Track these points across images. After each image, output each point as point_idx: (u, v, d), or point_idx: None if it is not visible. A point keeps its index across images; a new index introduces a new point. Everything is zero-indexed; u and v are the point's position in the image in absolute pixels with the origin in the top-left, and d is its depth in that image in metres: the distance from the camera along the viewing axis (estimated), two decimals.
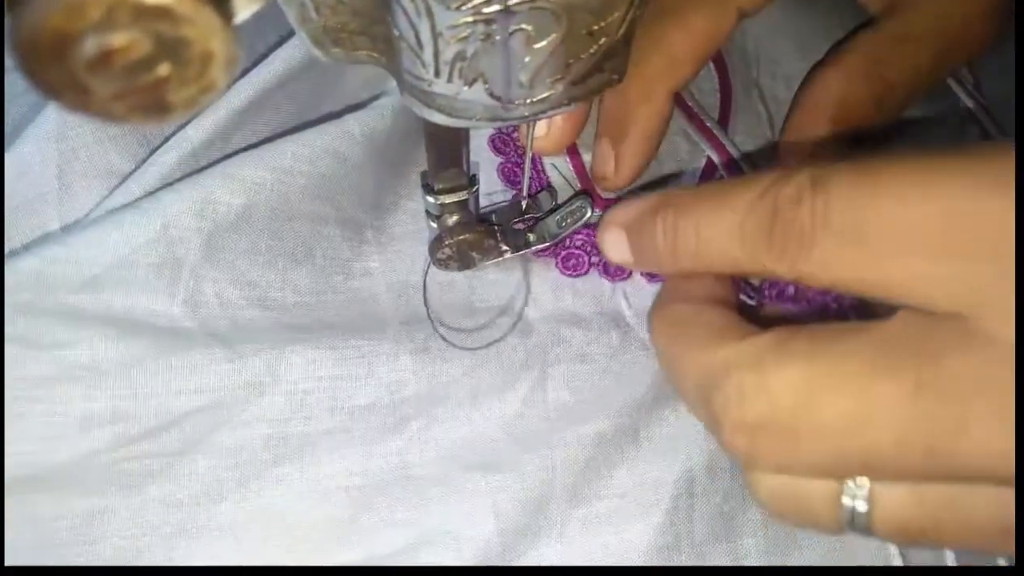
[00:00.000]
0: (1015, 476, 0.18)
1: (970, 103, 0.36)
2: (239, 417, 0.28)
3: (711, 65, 0.36)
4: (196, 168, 0.29)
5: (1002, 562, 0.27)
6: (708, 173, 0.34)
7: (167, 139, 0.29)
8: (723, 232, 0.23)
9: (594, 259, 0.32)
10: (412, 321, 0.30)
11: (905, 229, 0.19)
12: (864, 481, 0.21)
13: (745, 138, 0.35)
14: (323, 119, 0.31)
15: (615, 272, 0.31)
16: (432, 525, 0.28)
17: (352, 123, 0.30)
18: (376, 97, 0.32)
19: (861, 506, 0.21)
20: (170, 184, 0.28)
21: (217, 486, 0.27)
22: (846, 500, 0.21)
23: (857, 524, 0.21)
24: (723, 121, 0.35)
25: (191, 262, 0.27)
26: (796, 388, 0.20)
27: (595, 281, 0.32)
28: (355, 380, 0.29)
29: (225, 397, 0.27)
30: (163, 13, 0.14)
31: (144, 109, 0.15)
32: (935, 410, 0.19)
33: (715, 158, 0.34)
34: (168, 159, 0.28)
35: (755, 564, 0.29)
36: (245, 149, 0.29)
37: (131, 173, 0.29)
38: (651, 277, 0.31)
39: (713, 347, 0.22)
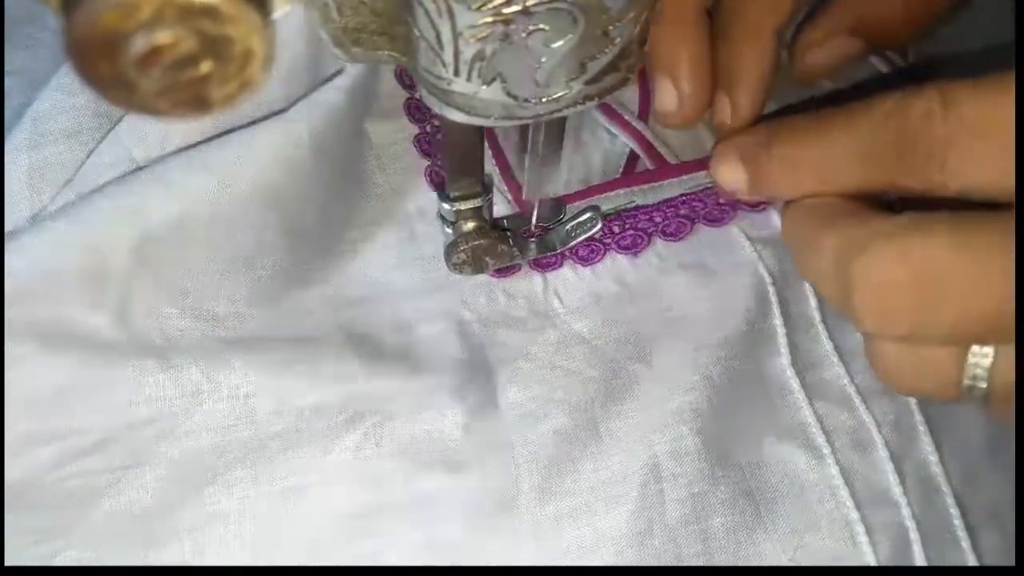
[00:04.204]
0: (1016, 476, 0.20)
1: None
2: (182, 427, 0.28)
3: None
4: (134, 167, 0.29)
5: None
6: (631, 163, 0.36)
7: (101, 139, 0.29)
8: (848, 154, 0.25)
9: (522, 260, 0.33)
10: (355, 336, 0.31)
11: None
12: (988, 348, 0.23)
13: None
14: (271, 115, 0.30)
15: (545, 264, 0.33)
16: (399, 527, 0.29)
17: (301, 126, 0.30)
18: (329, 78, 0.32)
19: (984, 363, 0.23)
20: (102, 188, 0.28)
21: (171, 496, 0.28)
22: (972, 359, 0.23)
23: (976, 388, 0.23)
24: (643, 114, 0.37)
25: (120, 272, 0.27)
26: (937, 255, 0.22)
27: (526, 282, 0.33)
28: (300, 378, 0.29)
29: (164, 409, 0.28)
30: (209, 12, 0.15)
31: (186, 105, 0.17)
32: None
33: (636, 148, 0.36)
34: (103, 160, 0.29)
35: (724, 544, 0.29)
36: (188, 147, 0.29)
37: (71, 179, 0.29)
38: (585, 261, 0.33)
39: (857, 221, 0.24)
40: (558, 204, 0.33)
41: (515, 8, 0.20)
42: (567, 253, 0.33)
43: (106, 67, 0.16)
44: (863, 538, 0.29)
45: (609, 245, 0.33)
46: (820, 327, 0.32)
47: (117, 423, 0.27)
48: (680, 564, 0.29)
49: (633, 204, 0.33)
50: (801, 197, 0.27)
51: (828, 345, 0.32)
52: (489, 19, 0.20)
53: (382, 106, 0.34)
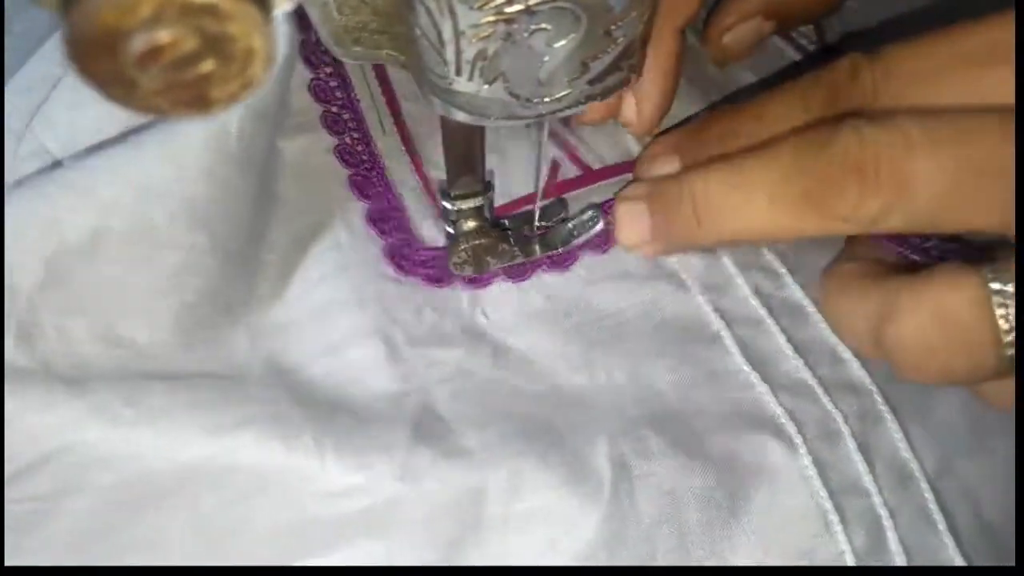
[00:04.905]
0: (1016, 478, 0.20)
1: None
2: (104, 457, 0.26)
3: None
4: (51, 161, 0.27)
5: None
6: (554, 170, 0.36)
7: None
8: (784, 121, 0.27)
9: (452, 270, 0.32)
10: (283, 367, 0.30)
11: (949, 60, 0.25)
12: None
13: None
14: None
15: (475, 280, 0.32)
16: (357, 539, 0.28)
17: (230, 135, 0.28)
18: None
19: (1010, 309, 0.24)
20: (17, 189, 0.26)
21: (108, 521, 0.27)
22: (999, 311, 0.24)
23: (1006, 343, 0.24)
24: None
25: (27, 290, 0.26)
26: (962, 307, 0.24)
27: (453, 300, 0.32)
28: (223, 392, 0.28)
29: (79, 437, 0.26)
30: (209, 10, 0.15)
31: (187, 104, 0.17)
32: None
33: (559, 154, 0.36)
34: (22, 150, 0.27)
35: (700, 539, 0.29)
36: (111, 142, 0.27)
37: None
38: (516, 278, 0.32)
39: (886, 287, 0.27)
40: (560, 203, 0.33)
41: (517, 7, 0.20)
42: (499, 271, 0.32)
43: (106, 65, 0.16)
44: (838, 527, 0.29)
45: (541, 262, 0.33)
46: (769, 322, 0.32)
47: (37, 452, 0.26)
48: (655, 563, 0.28)
49: (561, 217, 0.33)
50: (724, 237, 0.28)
51: (781, 339, 0.32)
52: (491, 18, 0.20)
53: (296, 122, 0.34)
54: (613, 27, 0.22)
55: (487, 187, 0.30)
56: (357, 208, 0.33)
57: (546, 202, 0.33)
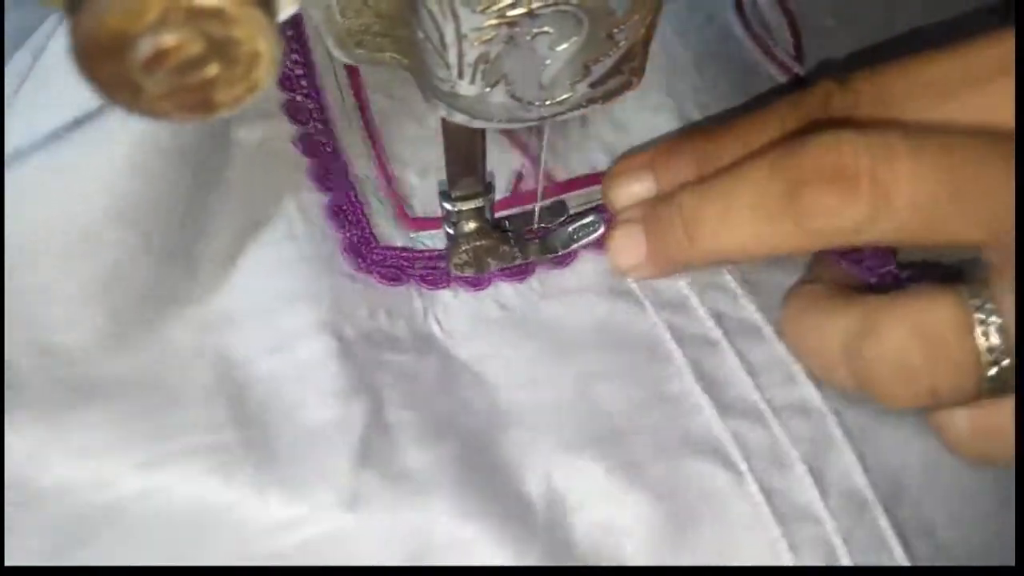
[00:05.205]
0: (1016, 476, 0.20)
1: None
2: (34, 490, 0.26)
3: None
4: None
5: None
6: (519, 180, 0.35)
7: None
8: (759, 144, 0.28)
9: (411, 271, 0.32)
10: (227, 368, 0.29)
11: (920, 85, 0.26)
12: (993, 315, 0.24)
13: None
14: None
15: (432, 281, 0.32)
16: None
17: (161, 130, 0.27)
18: None
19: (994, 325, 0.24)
20: None
21: (41, 558, 0.26)
22: (979, 331, 0.24)
23: (1001, 368, 0.24)
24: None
25: None
26: (942, 319, 0.24)
27: (406, 303, 0.32)
28: (161, 430, 0.27)
29: (13, 471, 0.25)
30: (215, 14, 0.16)
31: (191, 108, 0.17)
32: None
33: (523, 164, 0.35)
34: None
35: (644, 563, 0.28)
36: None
37: None
38: (473, 286, 0.32)
39: (857, 305, 0.26)
40: (560, 205, 0.34)
41: (520, 11, 0.20)
42: (455, 276, 0.32)
43: (112, 69, 0.16)
44: (787, 555, 0.28)
45: (542, 264, 0.33)
46: (724, 343, 0.32)
47: None
48: None
49: (561, 220, 0.33)
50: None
51: (735, 361, 0.31)
52: (494, 22, 0.20)
53: (257, 109, 0.32)
54: (615, 30, 0.22)
55: (488, 188, 0.31)
56: (316, 200, 0.32)
57: (546, 203, 0.33)
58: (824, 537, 0.29)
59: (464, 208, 0.30)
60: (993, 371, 0.24)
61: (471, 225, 0.31)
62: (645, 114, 0.36)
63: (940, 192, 0.23)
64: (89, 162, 0.26)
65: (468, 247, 0.31)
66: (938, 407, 0.26)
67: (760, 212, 0.25)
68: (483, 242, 0.31)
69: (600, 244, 0.33)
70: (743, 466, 0.29)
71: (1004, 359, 0.24)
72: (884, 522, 0.29)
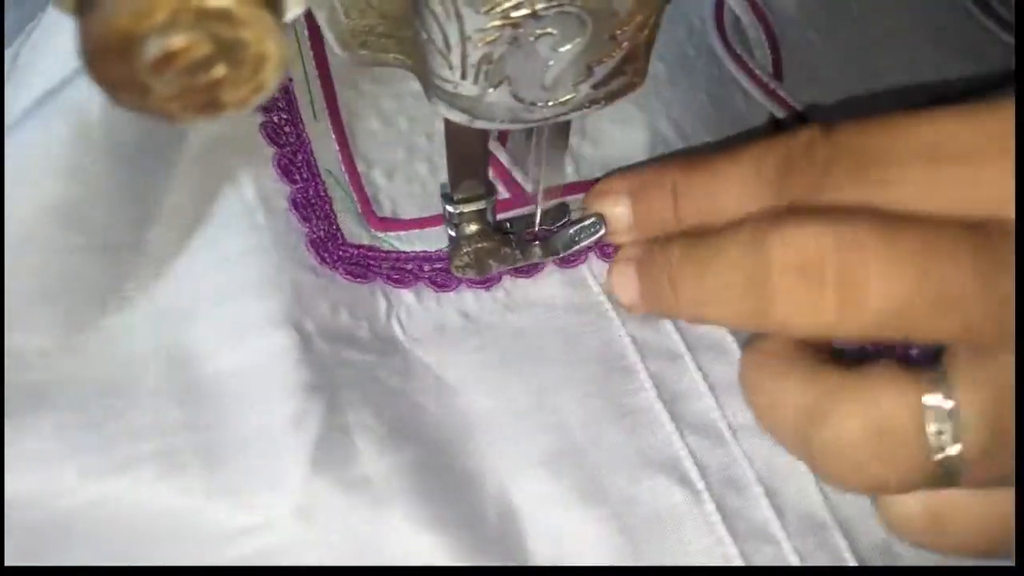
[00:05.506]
0: (1016, 476, 0.20)
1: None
2: None
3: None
4: None
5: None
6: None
7: None
8: (738, 179, 0.27)
9: (376, 270, 0.32)
10: (179, 367, 0.28)
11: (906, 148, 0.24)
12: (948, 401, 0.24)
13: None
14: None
15: (398, 280, 0.32)
16: None
17: (93, 128, 0.27)
18: None
19: (946, 427, 0.24)
20: None
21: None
22: (931, 426, 0.24)
23: (948, 457, 0.24)
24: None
25: None
26: (893, 411, 0.24)
27: (369, 304, 0.32)
28: (114, 436, 0.27)
29: None
30: (223, 16, 0.16)
31: (198, 108, 0.17)
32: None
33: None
34: None
35: None
36: None
37: None
38: (440, 287, 0.32)
39: (813, 383, 0.26)
40: (562, 207, 0.34)
41: (524, 12, 0.20)
42: (423, 274, 0.32)
43: (120, 70, 0.16)
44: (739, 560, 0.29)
45: (544, 266, 0.33)
46: (687, 358, 0.32)
47: None
48: None
49: (563, 222, 0.33)
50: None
51: (697, 376, 0.31)
52: (498, 23, 0.21)
53: None
54: (618, 32, 0.22)
55: (490, 190, 0.31)
56: (279, 190, 0.31)
57: (547, 205, 0.33)
58: (781, 557, 0.29)
59: (466, 210, 0.30)
60: (940, 457, 0.24)
61: (473, 227, 0.31)
62: (615, 126, 0.36)
63: (912, 293, 0.22)
64: (24, 168, 0.26)
65: (470, 249, 0.31)
66: (884, 494, 0.26)
67: (733, 292, 0.26)
68: (485, 244, 0.31)
69: (601, 247, 0.33)
70: (700, 484, 0.29)
71: (952, 448, 0.23)
72: (841, 542, 0.29)
